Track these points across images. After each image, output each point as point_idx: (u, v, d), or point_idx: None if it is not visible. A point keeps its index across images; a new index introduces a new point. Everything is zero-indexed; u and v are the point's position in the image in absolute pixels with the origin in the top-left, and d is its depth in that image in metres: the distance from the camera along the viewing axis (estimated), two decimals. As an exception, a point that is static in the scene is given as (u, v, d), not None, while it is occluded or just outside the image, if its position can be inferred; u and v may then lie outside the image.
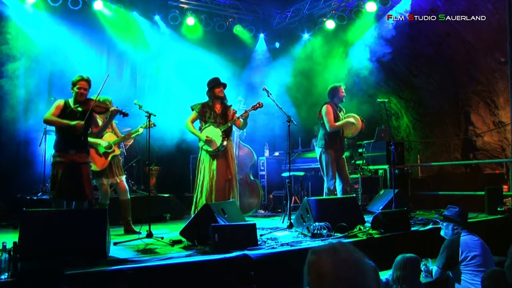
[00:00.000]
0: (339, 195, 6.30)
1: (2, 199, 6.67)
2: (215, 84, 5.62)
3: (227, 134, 5.51)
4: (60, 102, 4.66)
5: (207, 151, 5.49)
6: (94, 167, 5.36)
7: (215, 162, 5.46)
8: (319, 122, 6.48)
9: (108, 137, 5.54)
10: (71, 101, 4.68)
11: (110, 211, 5.33)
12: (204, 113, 5.59)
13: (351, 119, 6.35)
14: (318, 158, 6.52)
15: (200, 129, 5.60)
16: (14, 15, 7.60)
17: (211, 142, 5.44)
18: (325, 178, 6.39)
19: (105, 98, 5.67)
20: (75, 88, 4.64)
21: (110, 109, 4.78)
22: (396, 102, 10.93)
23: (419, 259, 3.55)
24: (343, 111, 6.55)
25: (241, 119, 5.63)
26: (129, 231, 5.47)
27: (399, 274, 3.41)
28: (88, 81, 4.70)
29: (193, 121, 5.61)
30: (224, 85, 5.70)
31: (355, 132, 6.48)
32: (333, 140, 6.35)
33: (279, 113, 6.24)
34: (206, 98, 5.72)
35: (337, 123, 6.31)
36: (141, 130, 5.50)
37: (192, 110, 5.66)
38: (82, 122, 4.52)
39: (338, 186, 6.37)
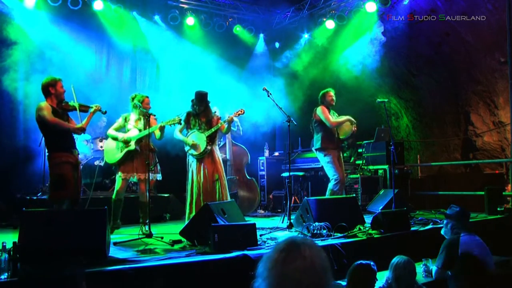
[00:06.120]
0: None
1: (2, 199, 6.66)
2: (205, 101, 5.81)
3: (211, 139, 5.73)
4: (46, 105, 4.58)
5: (193, 155, 5.71)
6: (110, 160, 5.54)
7: (202, 165, 5.66)
8: (314, 125, 6.50)
9: (130, 134, 5.54)
10: (50, 103, 4.63)
11: (125, 210, 5.60)
12: (189, 121, 5.86)
13: (348, 117, 6.43)
14: (320, 160, 6.52)
15: (186, 136, 5.83)
16: (14, 15, 7.58)
17: (196, 146, 5.66)
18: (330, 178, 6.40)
19: (142, 95, 5.67)
20: (57, 89, 4.65)
21: (93, 108, 4.82)
22: (396, 102, 10.93)
23: (412, 261, 3.51)
24: (336, 115, 6.58)
25: (225, 124, 5.81)
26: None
27: (396, 275, 3.39)
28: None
29: (181, 131, 5.89)
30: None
31: (348, 131, 6.51)
32: (331, 139, 6.37)
33: (279, 113, 6.24)
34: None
35: (337, 119, 6.37)
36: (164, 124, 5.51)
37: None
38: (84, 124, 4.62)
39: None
